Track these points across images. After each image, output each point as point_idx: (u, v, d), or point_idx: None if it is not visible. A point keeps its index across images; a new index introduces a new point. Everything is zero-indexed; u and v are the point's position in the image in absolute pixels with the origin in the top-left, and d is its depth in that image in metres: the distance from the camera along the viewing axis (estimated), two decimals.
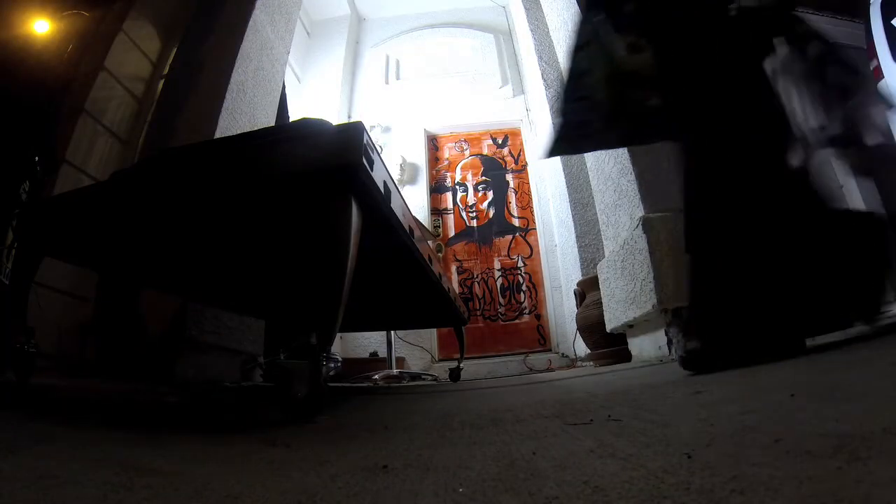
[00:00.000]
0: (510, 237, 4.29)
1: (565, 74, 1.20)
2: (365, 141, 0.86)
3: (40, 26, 2.14)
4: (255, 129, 2.10)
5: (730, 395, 0.73)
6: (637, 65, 1.09)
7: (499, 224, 4.34)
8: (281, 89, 2.90)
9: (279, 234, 1.18)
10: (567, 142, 1.22)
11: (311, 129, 0.91)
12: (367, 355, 3.54)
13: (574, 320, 2.93)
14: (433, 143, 4.69)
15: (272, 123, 2.69)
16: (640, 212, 1.90)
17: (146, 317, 1.88)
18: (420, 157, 4.51)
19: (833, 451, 0.37)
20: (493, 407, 0.97)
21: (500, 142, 4.64)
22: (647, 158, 1.97)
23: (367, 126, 0.98)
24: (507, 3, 4.97)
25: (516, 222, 4.34)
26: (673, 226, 1.81)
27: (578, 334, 2.88)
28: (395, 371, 2.94)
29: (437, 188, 4.52)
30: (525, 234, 4.27)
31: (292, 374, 0.76)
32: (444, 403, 1.05)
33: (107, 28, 2.48)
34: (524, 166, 4.49)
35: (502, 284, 4.17)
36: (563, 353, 3.66)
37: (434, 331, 3.91)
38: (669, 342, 1.77)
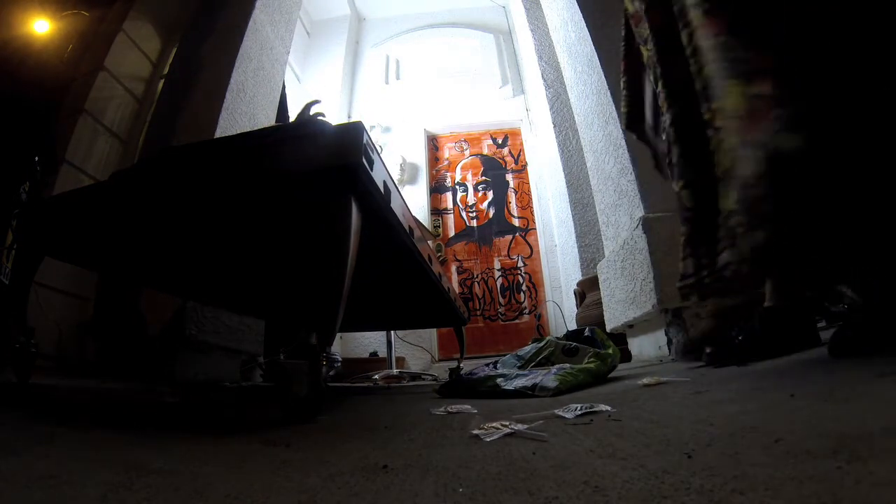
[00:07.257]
0: (510, 237, 4.29)
1: None
2: (365, 141, 0.86)
3: (40, 26, 2.15)
4: (255, 128, 2.11)
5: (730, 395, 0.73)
6: None
7: (499, 224, 4.34)
8: (281, 89, 2.90)
9: (279, 233, 1.18)
10: None
11: (310, 129, 0.91)
12: (367, 355, 3.54)
13: (574, 320, 2.93)
14: (433, 143, 4.69)
15: (272, 123, 2.69)
16: (640, 212, 1.90)
17: (146, 317, 1.88)
18: (420, 157, 4.51)
19: (833, 451, 0.37)
20: (493, 407, 0.97)
21: (500, 142, 4.64)
22: (648, 158, 1.96)
23: (367, 126, 0.98)
24: (507, 3, 4.97)
25: (516, 222, 4.34)
26: (673, 226, 1.81)
27: None
28: (395, 371, 2.93)
29: (437, 188, 4.52)
30: (525, 234, 4.27)
31: (292, 374, 0.76)
32: (444, 403, 1.05)
33: (107, 28, 2.48)
34: (524, 166, 4.49)
35: (502, 284, 4.17)
36: None
37: (434, 331, 3.91)
38: (669, 342, 1.78)
